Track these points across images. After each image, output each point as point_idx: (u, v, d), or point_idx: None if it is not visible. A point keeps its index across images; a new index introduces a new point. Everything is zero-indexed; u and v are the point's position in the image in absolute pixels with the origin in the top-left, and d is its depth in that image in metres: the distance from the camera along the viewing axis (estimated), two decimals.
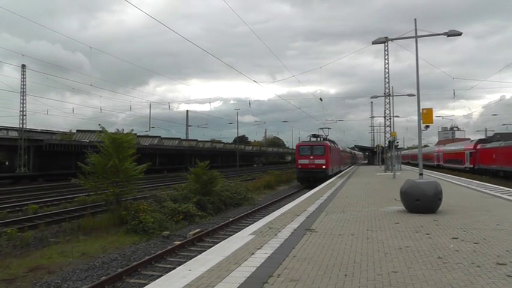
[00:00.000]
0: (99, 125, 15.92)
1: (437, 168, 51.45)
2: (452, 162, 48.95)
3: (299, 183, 31.45)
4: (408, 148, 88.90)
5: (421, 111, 15.84)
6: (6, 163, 41.33)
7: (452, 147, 53.02)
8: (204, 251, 7.19)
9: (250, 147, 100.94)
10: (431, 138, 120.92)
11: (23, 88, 39.04)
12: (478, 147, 41.42)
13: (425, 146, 76.02)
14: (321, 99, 44.72)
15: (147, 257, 9.40)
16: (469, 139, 54.64)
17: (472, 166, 41.55)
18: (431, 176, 25.89)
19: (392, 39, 19.78)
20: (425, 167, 42.28)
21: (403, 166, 47.07)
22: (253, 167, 78.67)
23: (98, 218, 13.61)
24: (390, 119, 35.57)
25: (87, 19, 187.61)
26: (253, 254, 6.03)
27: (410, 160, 78.37)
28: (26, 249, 10.26)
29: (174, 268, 6.42)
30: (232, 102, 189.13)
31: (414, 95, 20.76)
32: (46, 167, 39.49)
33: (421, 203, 9.78)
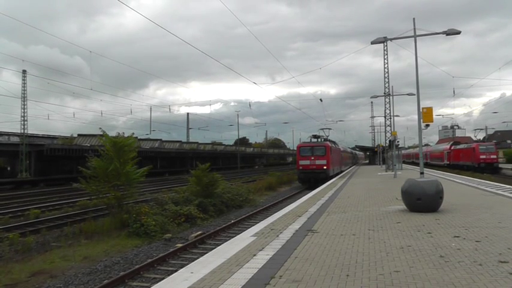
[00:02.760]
0: (100, 128, 15.97)
1: (425, 165, 61.59)
2: (435, 160, 61.17)
3: (300, 184, 31.43)
4: (409, 147, 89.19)
5: (421, 110, 15.85)
6: (8, 168, 41.43)
7: (436, 148, 66.87)
8: (206, 253, 7.19)
9: (251, 149, 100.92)
10: (431, 137, 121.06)
11: (24, 93, 39.15)
12: (452, 148, 54.23)
13: (426, 145, 76.70)
14: (321, 100, 44.92)
15: (149, 260, 9.40)
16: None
17: (448, 162, 53.06)
18: (431, 174, 25.86)
19: (391, 39, 19.81)
20: (416, 164, 52.59)
21: (403, 165, 47.31)
22: (255, 169, 78.63)
23: (100, 221, 13.62)
24: (390, 118, 35.56)
25: (86, 23, 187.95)
26: (255, 255, 6.03)
27: (405, 159, 79.21)
28: (27, 254, 10.27)
29: (176, 271, 6.41)
30: (232, 104, 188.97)
31: (414, 94, 20.76)
32: (47, 172, 39.54)
33: (423, 202, 9.77)
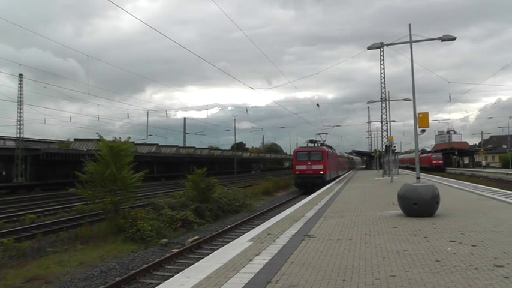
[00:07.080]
0: (97, 133, 15.94)
1: (407, 168, 76.01)
2: (412, 164, 73.28)
3: (297, 189, 31.43)
4: (406, 152, 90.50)
5: (417, 115, 15.94)
6: (3, 173, 41.13)
7: (412, 156, 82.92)
8: (202, 258, 7.16)
9: (248, 153, 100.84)
10: (428, 142, 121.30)
11: (20, 97, 38.96)
12: (420, 156, 69.03)
13: (422, 149, 78.62)
14: (317, 105, 45.12)
15: (145, 265, 9.37)
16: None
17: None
18: (427, 179, 25.94)
19: (387, 45, 19.96)
20: (402, 168, 66.74)
21: (400, 170, 47.56)
22: (251, 174, 78.47)
23: (96, 226, 13.55)
24: (387, 123, 35.71)
25: (82, 25, 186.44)
26: (251, 260, 6.02)
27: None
28: (22, 260, 10.18)
29: (172, 276, 6.39)
30: (229, 108, 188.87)
31: (410, 100, 20.86)
32: (43, 177, 39.31)
33: (419, 206, 9.79)
